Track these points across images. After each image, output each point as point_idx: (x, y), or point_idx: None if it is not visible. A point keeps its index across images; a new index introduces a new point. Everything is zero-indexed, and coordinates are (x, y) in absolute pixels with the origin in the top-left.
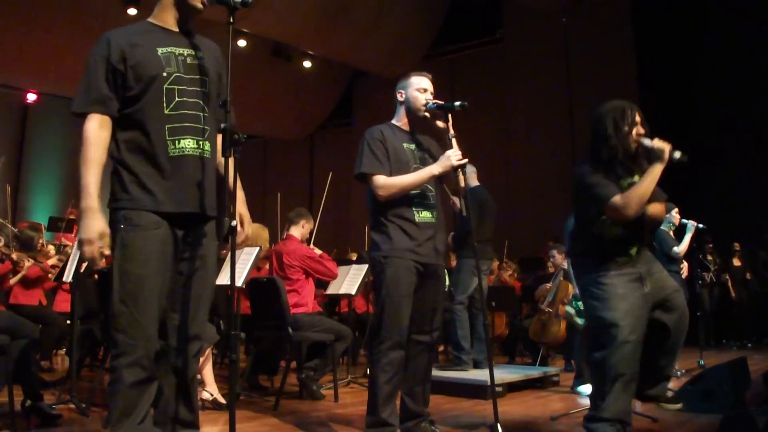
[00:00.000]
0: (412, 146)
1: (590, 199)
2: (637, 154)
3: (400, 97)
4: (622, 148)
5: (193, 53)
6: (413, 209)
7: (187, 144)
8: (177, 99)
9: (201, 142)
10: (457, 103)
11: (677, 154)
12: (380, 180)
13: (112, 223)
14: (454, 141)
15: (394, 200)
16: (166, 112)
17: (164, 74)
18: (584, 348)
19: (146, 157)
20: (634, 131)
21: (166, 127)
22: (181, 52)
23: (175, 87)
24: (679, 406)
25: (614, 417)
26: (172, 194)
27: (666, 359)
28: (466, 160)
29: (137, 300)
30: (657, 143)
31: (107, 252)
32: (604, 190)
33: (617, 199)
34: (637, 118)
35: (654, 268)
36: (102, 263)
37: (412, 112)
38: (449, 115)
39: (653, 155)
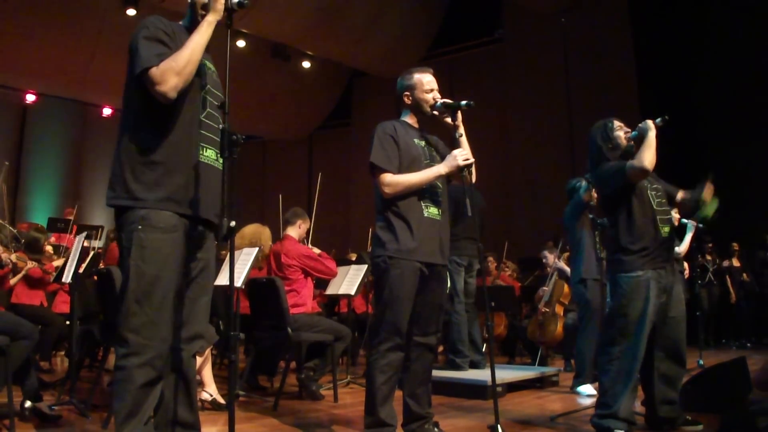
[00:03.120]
0: (422, 143)
1: (613, 178)
2: (631, 150)
3: (407, 100)
4: (617, 151)
5: (214, 69)
6: (422, 204)
7: (210, 154)
8: (208, 109)
9: (218, 154)
10: (463, 102)
11: (659, 120)
12: (387, 178)
13: (128, 224)
14: (463, 139)
15: (402, 196)
16: (201, 117)
17: (203, 81)
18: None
19: (179, 158)
20: (621, 133)
21: (200, 132)
22: (209, 66)
23: (207, 97)
24: (700, 427)
25: (627, 417)
26: (196, 198)
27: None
28: (472, 160)
29: (153, 301)
30: (642, 124)
31: None
32: (616, 165)
33: (632, 162)
34: (617, 123)
35: (677, 287)
36: None
37: (421, 114)
38: (458, 114)
39: (644, 131)
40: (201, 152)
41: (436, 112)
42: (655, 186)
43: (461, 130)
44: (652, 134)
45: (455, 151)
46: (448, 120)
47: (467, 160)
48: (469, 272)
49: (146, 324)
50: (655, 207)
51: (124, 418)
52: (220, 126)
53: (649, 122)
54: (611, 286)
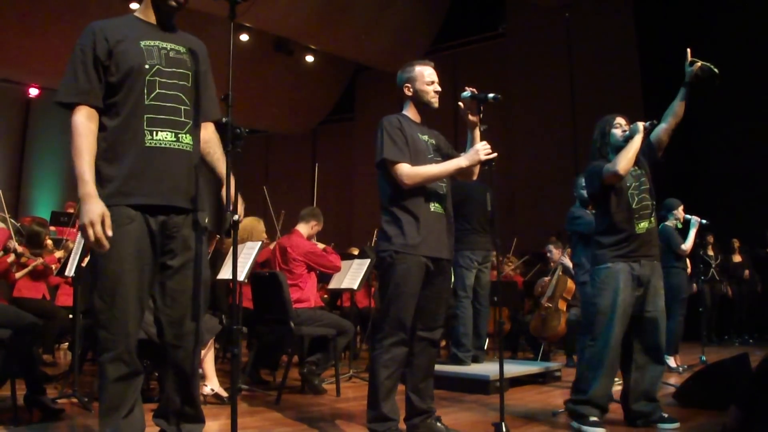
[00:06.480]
0: (425, 137)
1: (593, 179)
2: (620, 145)
3: (407, 92)
4: (611, 147)
5: (176, 48)
6: (427, 200)
7: (165, 136)
8: (157, 90)
9: (180, 135)
10: (491, 95)
11: (648, 124)
12: (405, 168)
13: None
14: (477, 133)
15: (408, 190)
16: (146, 102)
17: (146, 66)
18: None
19: (122, 148)
20: (619, 131)
21: (145, 116)
22: (164, 46)
23: (156, 79)
24: (676, 425)
25: (600, 404)
26: (145, 186)
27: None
28: (495, 155)
29: (114, 297)
30: (632, 125)
31: (110, 233)
32: (598, 166)
33: (608, 165)
34: (618, 121)
35: (656, 282)
36: (107, 246)
37: (422, 105)
38: (481, 107)
39: (632, 132)
40: (150, 136)
41: (461, 104)
42: (638, 184)
43: (476, 124)
44: (637, 138)
45: (477, 145)
46: (471, 117)
47: (489, 154)
48: (484, 264)
49: (111, 320)
50: (633, 206)
51: (104, 412)
52: (182, 108)
53: (639, 125)
54: (590, 279)
